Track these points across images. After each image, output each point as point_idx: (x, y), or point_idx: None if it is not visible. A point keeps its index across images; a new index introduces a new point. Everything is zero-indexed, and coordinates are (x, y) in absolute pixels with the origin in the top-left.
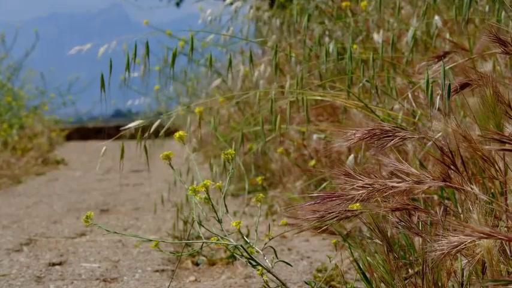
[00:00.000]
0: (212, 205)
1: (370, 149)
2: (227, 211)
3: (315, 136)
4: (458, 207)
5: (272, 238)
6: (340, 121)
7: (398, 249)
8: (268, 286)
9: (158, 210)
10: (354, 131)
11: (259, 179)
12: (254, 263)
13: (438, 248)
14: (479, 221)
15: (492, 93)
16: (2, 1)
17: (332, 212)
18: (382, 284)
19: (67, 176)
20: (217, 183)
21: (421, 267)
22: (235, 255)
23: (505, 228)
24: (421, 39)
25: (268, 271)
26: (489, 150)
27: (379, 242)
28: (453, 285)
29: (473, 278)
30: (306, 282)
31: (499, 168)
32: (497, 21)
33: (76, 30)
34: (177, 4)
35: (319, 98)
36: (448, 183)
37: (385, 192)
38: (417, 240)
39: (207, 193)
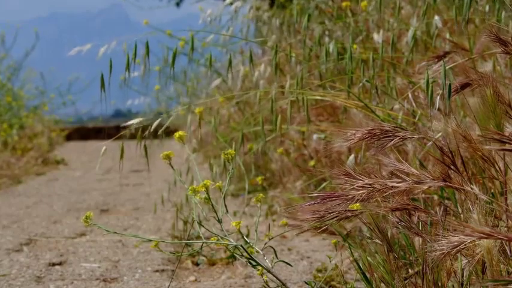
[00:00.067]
0: (212, 205)
1: (370, 149)
2: (227, 211)
3: (315, 136)
4: (458, 207)
5: (272, 238)
6: (340, 121)
7: (398, 249)
8: (268, 286)
9: (158, 210)
10: (353, 131)
11: (259, 179)
12: (254, 263)
13: (438, 248)
14: (479, 221)
15: (492, 93)
16: (2, 1)
17: (332, 212)
18: (382, 284)
19: (67, 176)
20: (217, 183)
21: (421, 267)
22: (235, 255)
23: (505, 228)
24: (421, 39)
25: (268, 271)
26: (489, 150)
27: (379, 242)
28: (453, 285)
29: (473, 278)
30: (306, 282)
31: (499, 168)
32: (497, 21)
33: (76, 30)
34: (177, 4)
35: (320, 98)
36: (448, 183)
37: (385, 192)
38: (417, 240)
39: (207, 193)
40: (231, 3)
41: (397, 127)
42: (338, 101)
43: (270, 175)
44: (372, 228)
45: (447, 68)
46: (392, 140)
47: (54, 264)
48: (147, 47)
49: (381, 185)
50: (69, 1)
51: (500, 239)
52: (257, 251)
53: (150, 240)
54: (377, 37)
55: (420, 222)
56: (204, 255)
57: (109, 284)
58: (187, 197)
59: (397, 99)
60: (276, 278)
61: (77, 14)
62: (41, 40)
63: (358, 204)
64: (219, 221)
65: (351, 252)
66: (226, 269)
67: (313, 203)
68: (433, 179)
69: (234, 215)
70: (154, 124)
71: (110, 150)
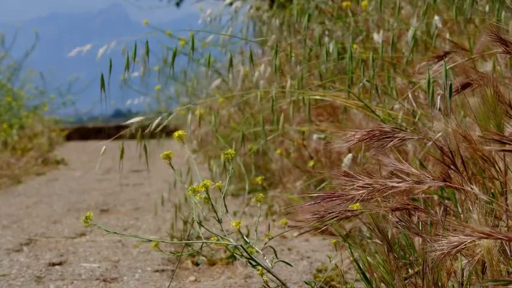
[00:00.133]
0: (212, 205)
1: (370, 149)
2: (227, 211)
3: (315, 136)
4: (458, 207)
5: (272, 238)
6: (340, 121)
7: (398, 249)
8: (268, 286)
9: (158, 210)
10: (353, 132)
11: (259, 179)
12: (254, 263)
13: (438, 248)
14: (479, 221)
15: (493, 93)
16: (2, 1)
17: (332, 212)
18: (382, 284)
19: (67, 176)
20: (217, 183)
21: (421, 267)
22: (235, 255)
23: (505, 228)
24: (421, 39)
25: (268, 271)
26: (489, 150)
27: (379, 242)
28: (453, 285)
29: (473, 278)
30: (306, 282)
31: (499, 168)
32: (497, 21)
33: (76, 30)
34: (177, 4)
35: (320, 97)
36: (448, 183)
37: (385, 192)
38: (417, 240)
39: (207, 193)
40: (231, 4)
41: (396, 128)
42: (338, 101)
43: (270, 175)
44: (372, 228)
45: (447, 68)
46: (392, 141)
47: (54, 264)
48: (147, 47)
49: (381, 185)
50: (69, 1)
51: (500, 239)
52: (257, 251)
53: (150, 240)
54: (377, 37)
55: (420, 222)
56: (204, 255)
57: (109, 284)
58: (187, 197)
59: (397, 99)
60: (276, 278)
61: (77, 14)
62: (41, 40)
63: (358, 204)
64: (219, 221)
65: (351, 252)
66: (226, 269)
67: (313, 203)
68: (433, 179)
69: (234, 215)
70: (154, 123)
71: (109, 150)
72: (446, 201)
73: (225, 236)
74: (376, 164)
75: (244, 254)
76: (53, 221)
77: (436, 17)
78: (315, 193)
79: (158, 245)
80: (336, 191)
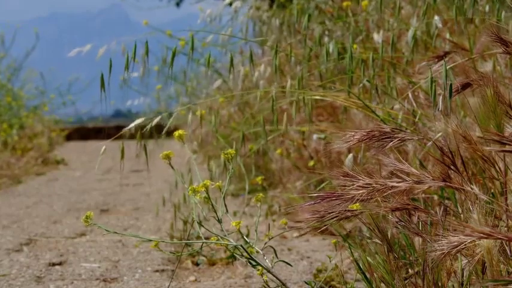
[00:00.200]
0: (212, 205)
1: (370, 149)
2: (227, 211)
3: (315, 136)
4: (458, 207)
5: (272, 238)
6: (340, 121)
7: (398, 249)
8: (268, 286)
9: (158, 210)
10: (353, 133)
11: (259, 179)
12: (254, 263)
13: (438, 248)
14: (479, 221)
15: (493, 93)
16: (2, 1)
17: (332, 212)
18: (382, 284)
19: (67, 176)
20: (217, 183)
21: (421, 267)
22: (235, 255)
23: (505, 228)
24: (421, 39)
25: (268, 271)
26: (489, 151)
27: (379, 242)
28: (453, 285)
29: (473, 278)
30: (306, 282)
31: (499, 168)
32: (498, 21)
33: (76, 30)
34: (177, 4)
35: (320, 97)
36: (448, 183)
37: (385, 192)
38: (417, 240)
39: (207, 193)
40: (231, 4)
41: (396, 128)
42: (338, 101)
43: (270, 175)
44: (372, 228)
45: (447, 68)
46: (392, 141)
47: (54, 264)
48: (147, 47)
49: (381, 185)
50: (69, 1)
51: (500, 239)
52: (257, 251)
53: (150, 240)
54: (377, 37)
55: (420, 222)
56: (204, 255)
57: (109, 284)
58: (187, 197)
59: (397, 99)
60: (276, 278)
61: (77, 14)
62: (41, 40)
63: (358, 204)
64: (219, 221)
65: (351, 252)
66: (226, 269)
67: (313, 203)
68: (433, 179)
69: (234, 215)
70: (154, 123)
71: (109, 150)
72: (446, 201)
73: (225, 236)
74: (376, 164)
75: (244, 254)
76: (53, 221)
77: (436, 17)
78: (315, 193)
79: (158, 245)
80: (336, 191)
